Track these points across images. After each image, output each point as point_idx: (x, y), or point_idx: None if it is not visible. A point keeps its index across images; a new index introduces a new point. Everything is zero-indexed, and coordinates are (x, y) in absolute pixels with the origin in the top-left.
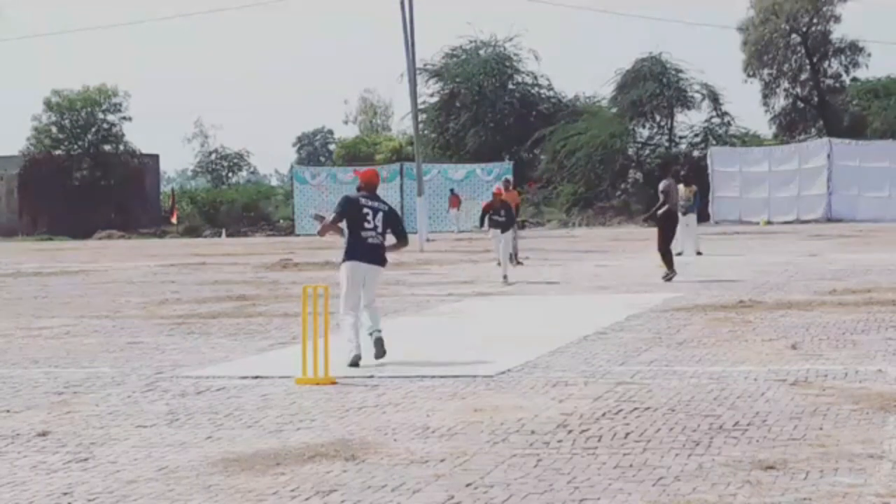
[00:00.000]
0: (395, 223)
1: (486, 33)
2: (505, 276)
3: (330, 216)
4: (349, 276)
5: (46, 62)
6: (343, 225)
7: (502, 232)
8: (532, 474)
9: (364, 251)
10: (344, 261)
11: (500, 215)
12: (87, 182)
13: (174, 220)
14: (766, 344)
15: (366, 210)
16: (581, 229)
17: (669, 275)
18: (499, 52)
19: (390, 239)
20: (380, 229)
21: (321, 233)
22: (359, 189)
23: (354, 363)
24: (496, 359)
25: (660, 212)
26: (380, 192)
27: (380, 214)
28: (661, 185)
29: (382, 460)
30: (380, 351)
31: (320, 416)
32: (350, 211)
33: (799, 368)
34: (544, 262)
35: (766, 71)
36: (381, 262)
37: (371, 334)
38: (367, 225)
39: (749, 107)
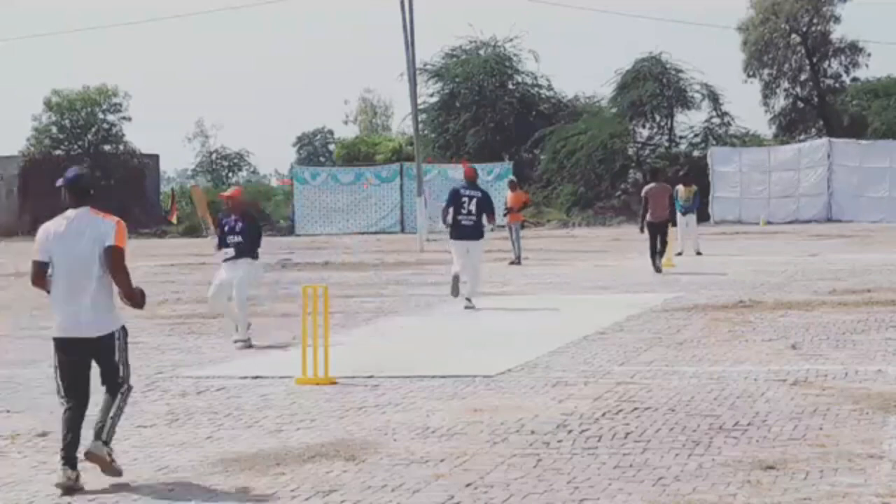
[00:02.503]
0: (484, 205)
1: (486, 33)
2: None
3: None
4: (454, 248)
5: (46, 62)
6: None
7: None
8: (532, 474)
9: (461, 231)
10: (450, 238)
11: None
12: None
13: (173, 219)
14: (766, 344)
15: (464, 199)
16: (581, 229)
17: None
18: (499, 52)
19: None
20: (474, 212)
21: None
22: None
23: (454, 292)
24: (496, 359)
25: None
26: (379, 192)
27: (474, 200)
28: (643, 191)
29: (382, 460)
30: (454, 291)
31: (320, 416)
32: (454, 200)
33: (799, 368)
34: (544, 263)
35: (766, 71)
36: (477, 237)
37: (466, 298)
38: (463, 210)
39: (749, 107)
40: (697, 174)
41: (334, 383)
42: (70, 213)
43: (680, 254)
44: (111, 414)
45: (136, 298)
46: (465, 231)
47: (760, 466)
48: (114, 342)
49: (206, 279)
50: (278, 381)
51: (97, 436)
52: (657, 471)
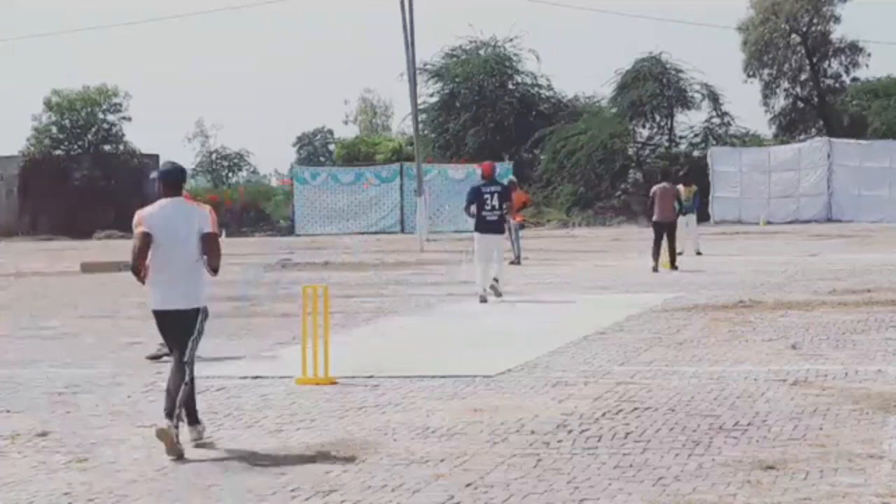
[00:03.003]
0: (505, 197)
1: (486, 34)
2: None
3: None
4: (479, 242)
5: (46, 62)
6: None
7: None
8: (532, 474)
9: (486, 225)
10: (475, 231)
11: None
12: (87, 182)
13: None
14: (766, 344)
15: (486, 195)
16: (581, 229)
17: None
18: (499, 52)
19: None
20: (497, 207)
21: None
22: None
23: (483, 300)
24: (496, 359)
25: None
26: (380, 191)
27: (496, 195)
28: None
29: (382, 460)
30: (496, 293)
31: (320, 416)
32: (475, 197)
33: (799, 368)
34: (544, 263)
35: (766, 71)
36: (500, 231)
37: (494, 279)
38: (486, 207)
39: (749, 107)
40: (697, 174)
41: (334, 383)
42: (165, 201)
43: (680, 253)
44: (179, 398)
45: (217, 271)
46: (491, 225)
47: (760, 466)
48: (198, 316)
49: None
50: (278, 381)
51: (170, 415)
52: (657, 471)
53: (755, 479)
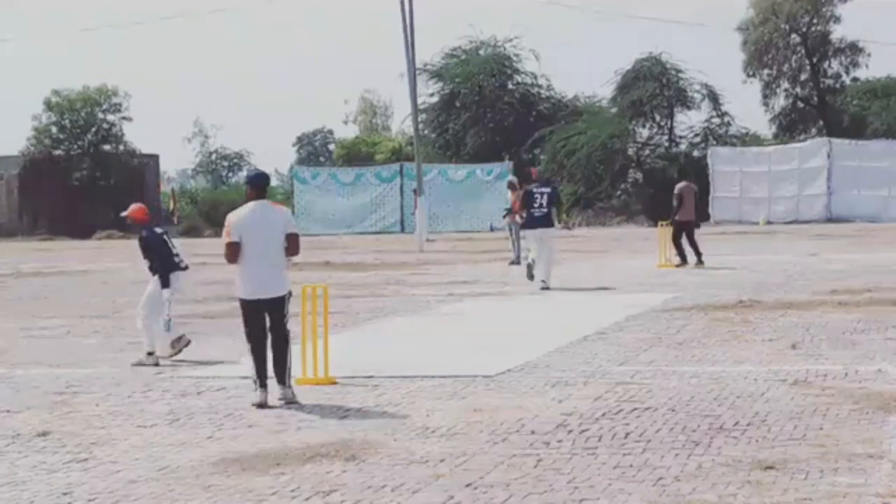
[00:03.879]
0: (553, 197)
1: (486, 33)
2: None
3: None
4: (531, 236)
5: (46, 62)
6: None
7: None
8: (532, 474)
9: (535, 220)
10: (526, 228)
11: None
12: (86, 182)
13: (175, 219)
14: (766, 344)
15: (536, 195)
16: (581, 229)
17: (680, 264)
18: (499, 52)
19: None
20: (545, 205)
21: (515, 211)
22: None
23: (529, 276)
24: (496, 359)
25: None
26: (379, 191)
27: (545, 195)
28: (676, 189)
29: (382, 460)
30: (528, 275)
31: (320, 416)
32: (528, 198)
33: (799, 368)
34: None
35: (766, 71)
36: (549, 224)
37: (544, 281)
38: (535, 204)
39: (749, 107)
40: (697, 174)
41: (334, 383)
42: (253, 204)
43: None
44: (288, 364)
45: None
46: (539, 220)
47: (760, 466)
48: (286, 299)
49: (205, 279)
50: None
51: (283, 381)
52: (657, 471)
53: (755, 479)
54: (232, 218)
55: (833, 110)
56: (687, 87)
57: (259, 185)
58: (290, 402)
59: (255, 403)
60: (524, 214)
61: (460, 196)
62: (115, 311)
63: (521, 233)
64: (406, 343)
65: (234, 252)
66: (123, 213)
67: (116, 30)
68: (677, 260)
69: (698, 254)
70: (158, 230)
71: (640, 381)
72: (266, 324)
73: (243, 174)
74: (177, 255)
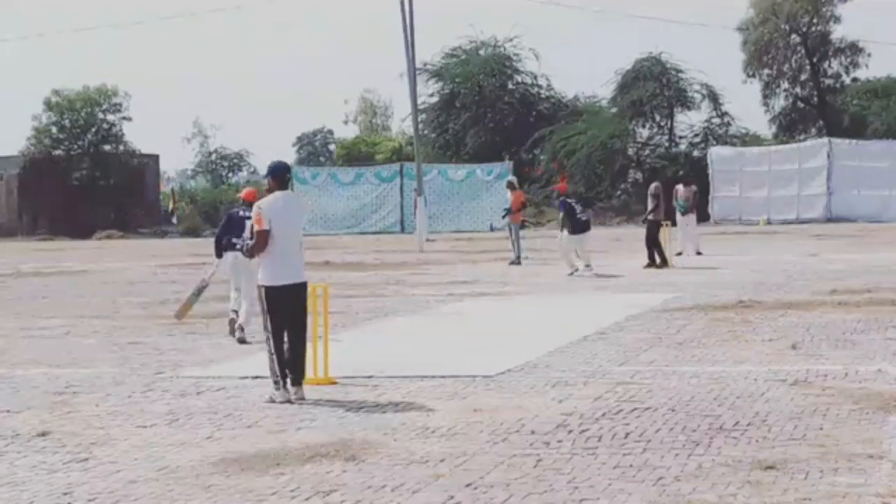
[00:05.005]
0: (586, 203)
1: (486, 33)
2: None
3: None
4: (579, 240)
5: (46, 62)
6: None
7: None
8: (532, 474)
9: (582, 226)
10: (574, 233)
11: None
12: (86, 182)
13: (174, 219)
14: (766, 344)
15: (578, 207)
16: None
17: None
18: (499, 52)
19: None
20: (586, 214)
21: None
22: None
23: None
24: (496, 359)
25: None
26: (379, 191)
27: (580, 204)
28: (651, 189)
29: (382, 460)
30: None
31: (320, 416)
32: (570, 210)
33: (799, 368)
34: (544, 263)
35: (766, 71)
36: (588, 229)
37: (588, 265)
38: (578, 211)
39: (749, 107)
40: (697, 174)
41: (334, 383)
42: (278, 194)
43: (680, 254)
44: (304, 364)
45: None
46: (587, 225)
47: (760, 466)
48: (306, 288)
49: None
50: None
51: (298, 383)
52: (657, 471)
53: (755, 479)
54: (263, 206)
55: (833, 110)
56: (687, 87)
57: (280, 176)
58: (301, 401)
59: (282, 401)
60: (570, 223)
61: (460, 196)
62: (115, 310)
63: (574, 237)
64: (406, 343)
65: (265, 240)
66: (239, 195)
67: (116, 30)
68: (658, 261)
69: (663, 256)
70: (241, 213)
71: (640, 381)
72: (288, 316)
73: (243, 174)
74: (242, 238)
